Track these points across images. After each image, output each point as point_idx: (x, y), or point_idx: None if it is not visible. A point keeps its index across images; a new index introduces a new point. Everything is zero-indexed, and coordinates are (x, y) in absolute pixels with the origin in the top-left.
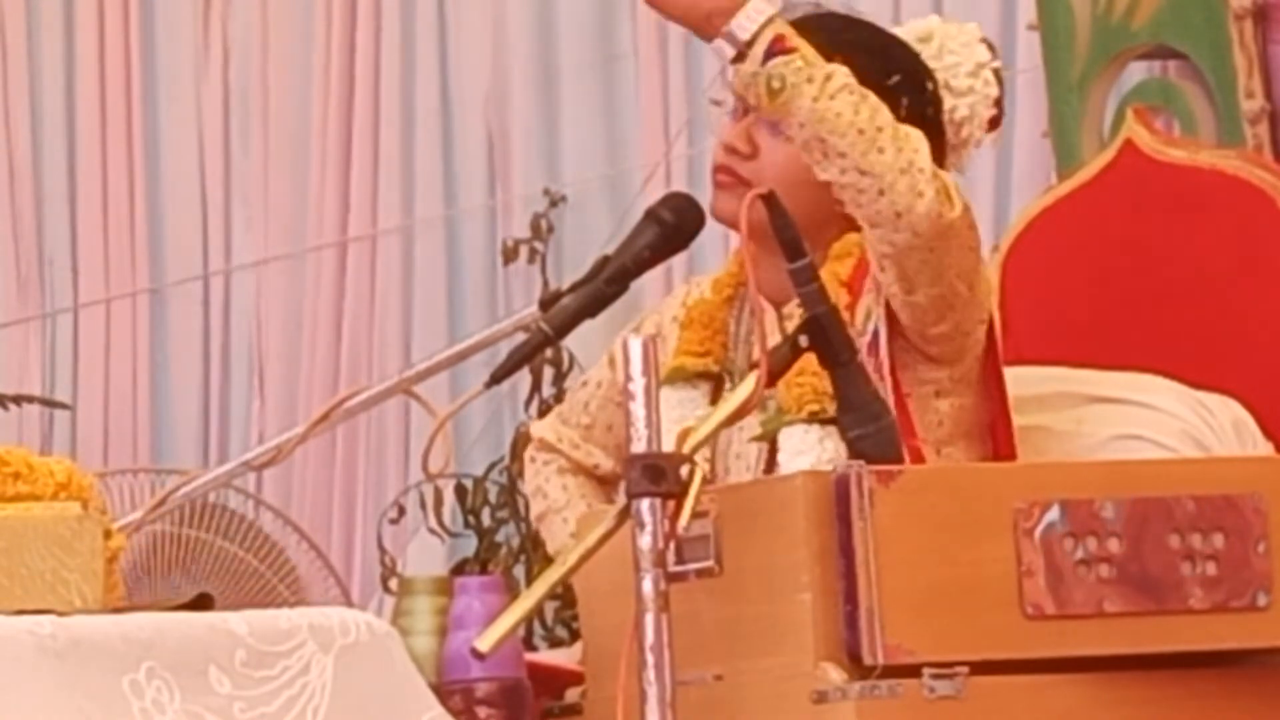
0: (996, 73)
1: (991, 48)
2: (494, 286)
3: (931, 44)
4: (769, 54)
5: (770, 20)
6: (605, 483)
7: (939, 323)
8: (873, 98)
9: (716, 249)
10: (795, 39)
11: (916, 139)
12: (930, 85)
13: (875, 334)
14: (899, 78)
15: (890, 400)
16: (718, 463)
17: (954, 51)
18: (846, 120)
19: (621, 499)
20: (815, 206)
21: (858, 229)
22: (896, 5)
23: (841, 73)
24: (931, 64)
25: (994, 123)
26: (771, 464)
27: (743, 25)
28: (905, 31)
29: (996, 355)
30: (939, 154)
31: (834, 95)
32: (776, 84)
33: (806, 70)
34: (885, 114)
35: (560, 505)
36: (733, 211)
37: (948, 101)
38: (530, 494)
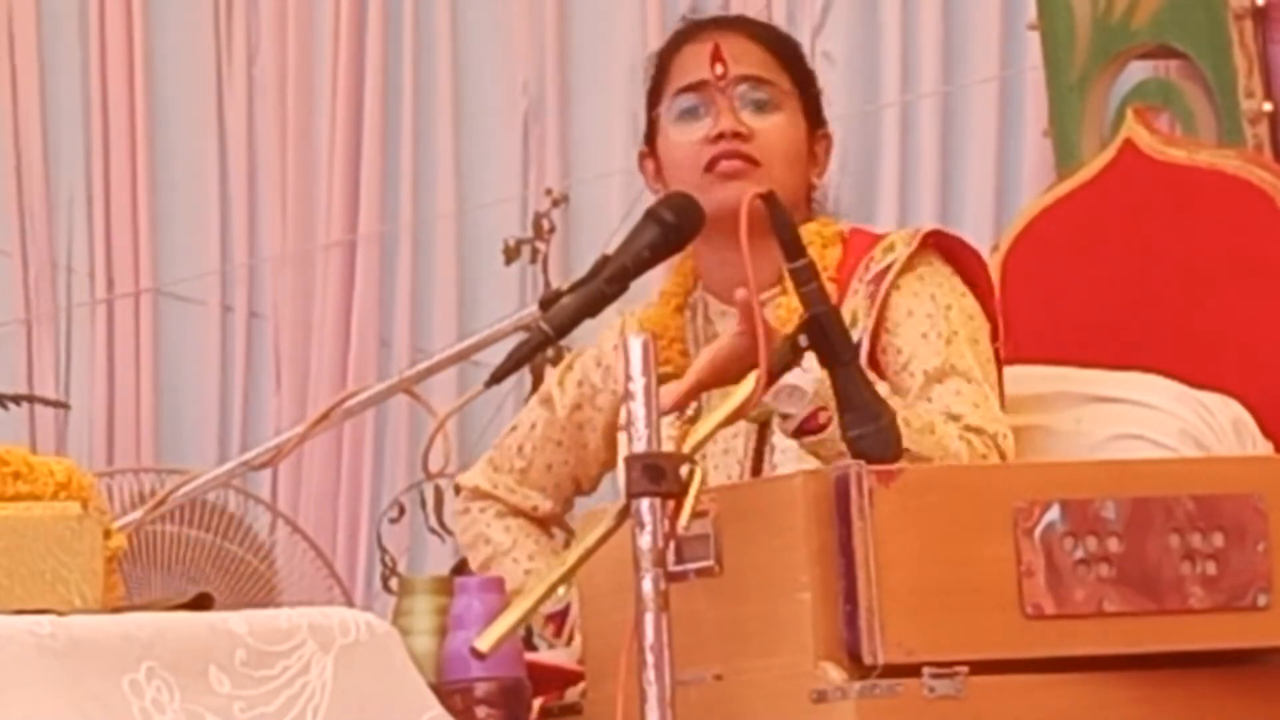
0: None
1: None
2: (519, 284)
3: None
4: (802, 432)
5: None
6: (545, 524)
7: None
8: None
9: None
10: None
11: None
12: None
13: (858, 346)
14: (817, 89)
15: None
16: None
17: None
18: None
19: (621, 500)
20: (797, 188)
21: (811, 219)
22: (904, 8)
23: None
24: None
25: None
26: (761, 444)
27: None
28: None
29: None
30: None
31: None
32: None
33: (834, 445)
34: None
35: (507, 547)
36: None
37: None
38: (468, 545)
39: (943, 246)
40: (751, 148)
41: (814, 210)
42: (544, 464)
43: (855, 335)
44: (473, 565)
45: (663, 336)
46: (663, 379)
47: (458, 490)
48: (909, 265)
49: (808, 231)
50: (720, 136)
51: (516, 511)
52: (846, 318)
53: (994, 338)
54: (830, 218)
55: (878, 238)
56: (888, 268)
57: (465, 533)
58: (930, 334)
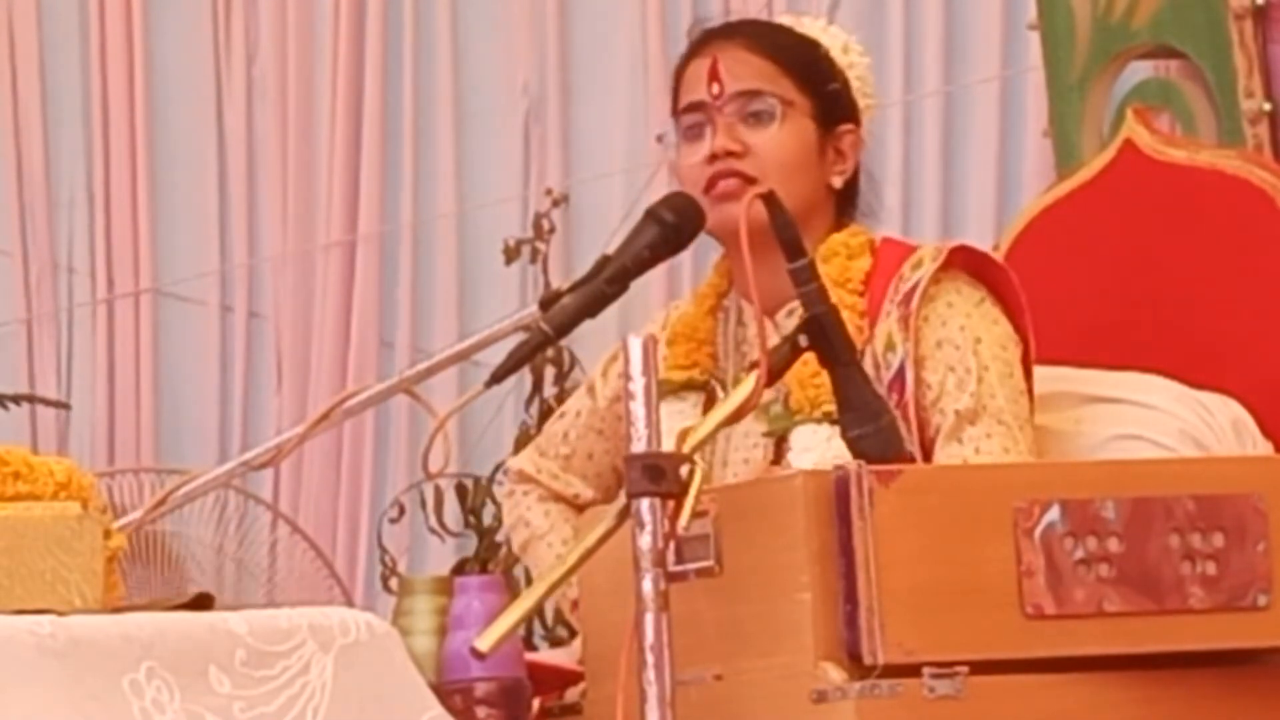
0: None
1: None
2: (519, 284)
3: None
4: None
5: None
6: (585, 511)
7: None
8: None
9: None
10: None
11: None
12: (843, 75)
13: (901, 371)
14: (836, 85)
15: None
16: (713, 472)
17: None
18: None
19: (621, 499)
20: (808, 194)
21: (843, 225)
22: (906, 8)
23: None
24: None
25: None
26: (779, 456)
27: None
28: None
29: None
30: (856, 121)
31: None
32: None
33: None
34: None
35: (544, 531)
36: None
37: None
38: (510, 526)
39: (969, 264)
40: (745, 164)
41: (853, 208)
42: (586, 452)
43: (894, 360)
44: (513, 547)
45: (692, 338)
46: (693, 383)
47: (507, 472)
48: (935, 287)
49: (834, 242)
50: (714, 157)
51: (558, 497)
52: (881, 340)
53: (1025, 357)
54: (862, 226)
55: (909, 250)
56: (915, 285)
57: (509, 515)
58: (959, 368)
